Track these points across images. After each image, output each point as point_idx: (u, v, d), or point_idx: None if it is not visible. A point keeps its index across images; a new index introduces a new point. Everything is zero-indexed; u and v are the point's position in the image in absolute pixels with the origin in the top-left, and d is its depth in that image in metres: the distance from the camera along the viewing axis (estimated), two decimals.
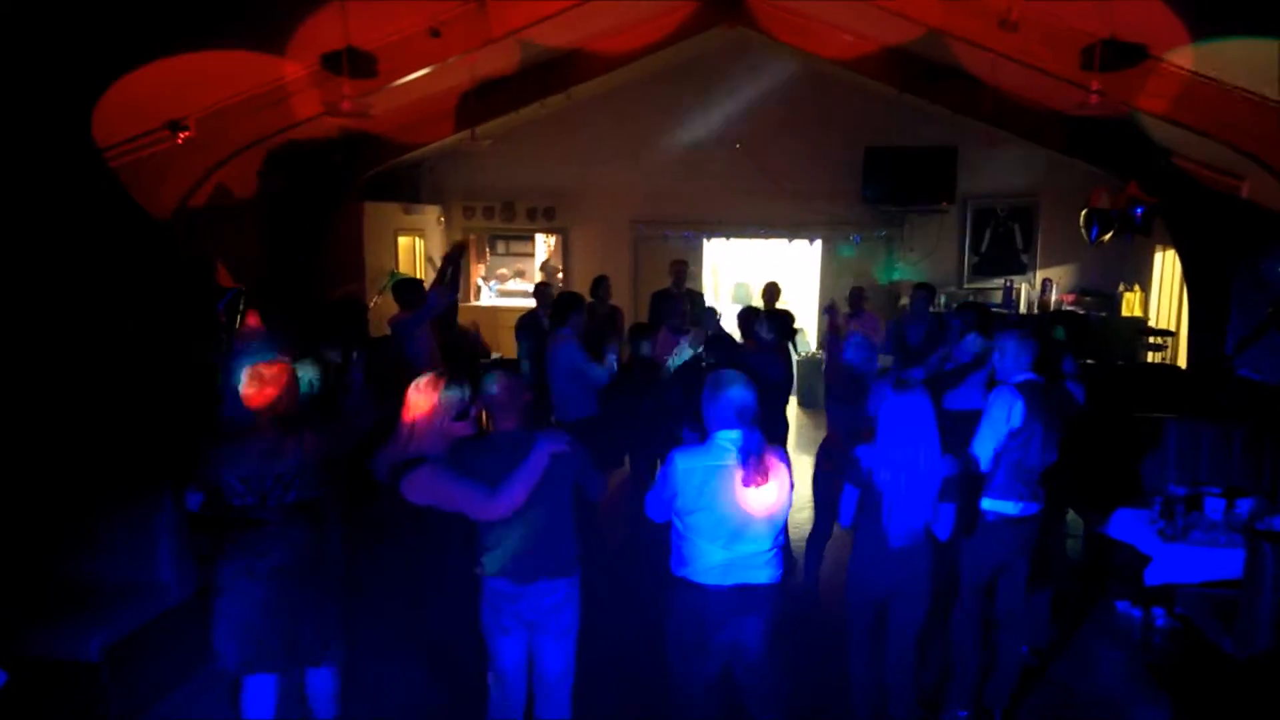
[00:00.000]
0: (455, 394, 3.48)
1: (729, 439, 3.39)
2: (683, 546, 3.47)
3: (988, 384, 4.72)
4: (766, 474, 3.37)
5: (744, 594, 3.43)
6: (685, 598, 3.48)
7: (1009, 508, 4.17)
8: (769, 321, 6.61)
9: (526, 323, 7.94)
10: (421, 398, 3.57)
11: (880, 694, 4.02)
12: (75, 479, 4.78)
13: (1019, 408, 4.09)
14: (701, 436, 3.51)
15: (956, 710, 4.29)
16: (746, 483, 3.34)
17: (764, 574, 3.45)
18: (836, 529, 5.19)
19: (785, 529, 3.52)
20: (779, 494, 3.42)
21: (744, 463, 3.34)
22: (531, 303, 8.35)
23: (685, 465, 3.41)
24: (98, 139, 5.46)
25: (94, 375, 5.66)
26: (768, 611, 3.49)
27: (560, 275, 12.14)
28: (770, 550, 3.46)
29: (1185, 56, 5.47)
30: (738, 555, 3.40)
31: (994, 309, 9.37)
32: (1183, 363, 8.89)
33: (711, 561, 3.40)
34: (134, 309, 6.04)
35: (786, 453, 3.58)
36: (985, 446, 4.12)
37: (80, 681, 3.99)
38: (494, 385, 3.44)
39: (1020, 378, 4.23)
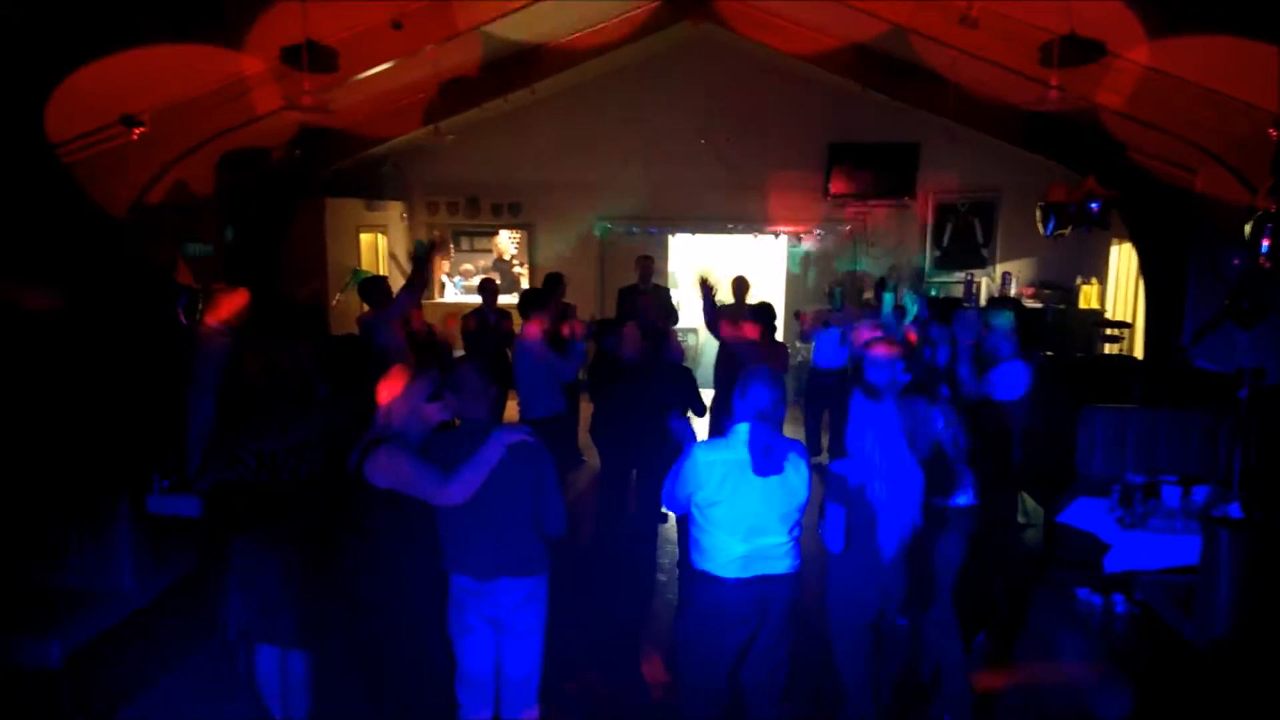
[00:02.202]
0: (427, 377, 3.49)
1: (745, 430, 3.44)
2: (703, 539, 3.49)
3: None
4: (780, 465, 3.42)
5: (764, 585, 3.47)
6: (707, 591, 3.50)
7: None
8: (755, 316, 6.63)
9: (473, 320, 7.87)
10: (394, 383, 3.56)
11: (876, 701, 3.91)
12: (34, 484, 4.68)
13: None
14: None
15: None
16: (756, 471, 3.38)
17: (783, 565, 3.50)
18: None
19: (800, 521, 3.56)
20: (795, 486, 3.47)
21: (752, 452, 3.39)
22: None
23: (706, 458, 3.44)
24: (51, 134, 5.33)
25: (51, 378, 5.53)
26: (785, 600, 3.54)
27: (517, 271, 12.07)
28: (788, 541, 3.50)
29: (1142, 52, 5.57)
30: (757, 547, 3.43)
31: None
32: (1139, 354, 9.06)
33: (733, 554, 3.43)
34: (90, 310, 5.91)
35: (805, 446, 3.60)
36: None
37: (42, 689, 3.91)
38: (464, 375, 3.46)
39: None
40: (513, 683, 3.54)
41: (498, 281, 8.52)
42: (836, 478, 3.65)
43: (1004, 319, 5.21)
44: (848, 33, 8.27)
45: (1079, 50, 5.56)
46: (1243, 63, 5.09)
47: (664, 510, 3.85)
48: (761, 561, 3.45)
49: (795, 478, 3.48)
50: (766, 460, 3.39)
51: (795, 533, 3.53)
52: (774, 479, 3.42)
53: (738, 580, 3.44)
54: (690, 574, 3.57)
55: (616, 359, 6.15)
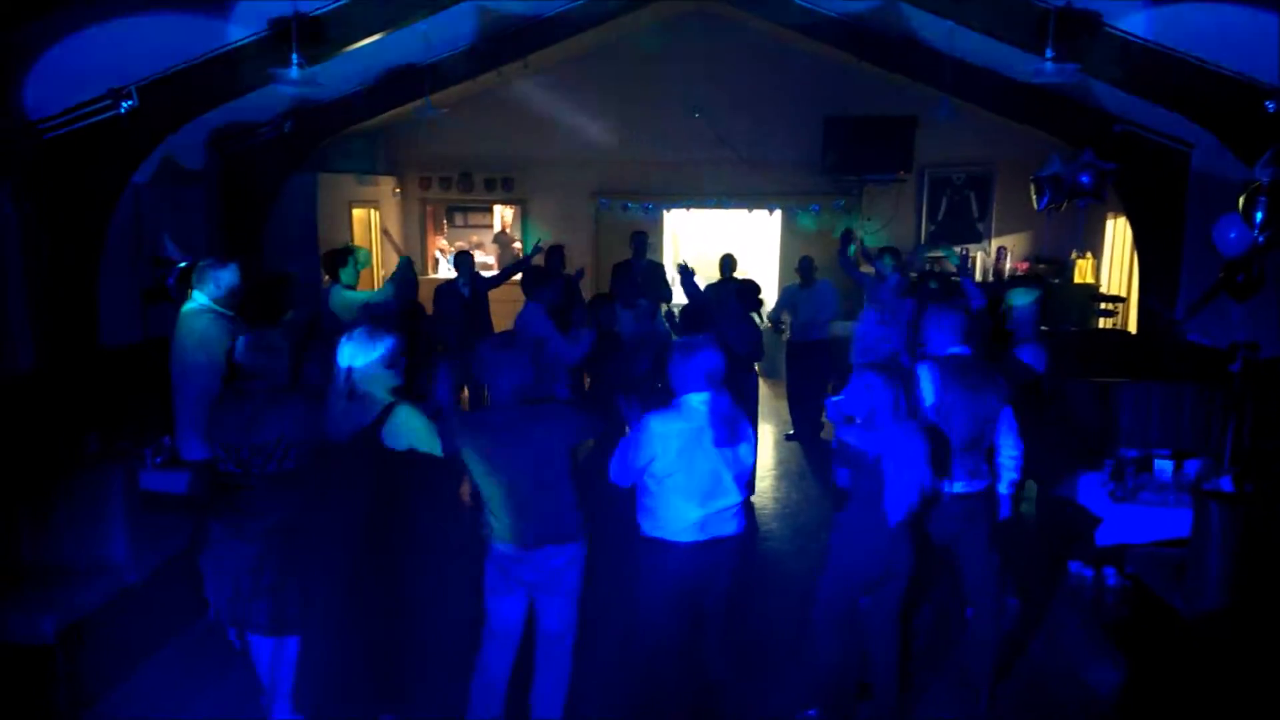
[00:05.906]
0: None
1: (700, 401, 3.49)
2: (656, 508, 3.57)
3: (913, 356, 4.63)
4: (738, 435, 3.55)
5: (715, 547, 3.59)
6: (662, 557, 3.59)
7: (947, 485, 3.94)
8: (738, 291, 6.63)
9: (445, 292, 7.83)
10: None
11: (861, 672, 3.92)
12: (26, 458, 4.66)
13: (930, 383, 3.89)
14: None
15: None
16: (717, 444, 3.48)
17: (731, 526, 3.64)
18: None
19: (747, 484, 3.74)
20: (744, 452, 3.63)
21: (714, 424, 3.47)
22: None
23: (662, 430, 3.49)
24: (35, 109, 5.26)
25: (42, 352, 5.50)
26: (735, 559, 3.72)
27: (517, 246, 12.01)
28: (737, 504, 3.64)
29: (1139, 24, 5.52)
30: (711, 512, 3.54)
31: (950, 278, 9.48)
32: (1133, 328, 9.06)
33: (688, 520, 3.53)
34: (81, 285, 5.87)
35: (746, 415, 3.68)
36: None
37: (35, 664, 3.91)
38: (486, 355, 3.51)
39: (947, 351, 4.06)
40: (550, 636, 3.62)
41: (470, 253, 8.43)
42: (843, 445, 3.74)
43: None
44: (843, 5, 8.19)
45: (1075, 22, 5.51)
46: (1240, 34, 5.05)
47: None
48: (713, 525, 3.57)
49: (744, 445, 3.64)
50: (728, 431, 3.52)
51: (745, 494, 3.68)
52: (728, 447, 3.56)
53: (691, 544, 3.55)
54: (641, 542, 3.65)
55: (613, 333, 6.14)
